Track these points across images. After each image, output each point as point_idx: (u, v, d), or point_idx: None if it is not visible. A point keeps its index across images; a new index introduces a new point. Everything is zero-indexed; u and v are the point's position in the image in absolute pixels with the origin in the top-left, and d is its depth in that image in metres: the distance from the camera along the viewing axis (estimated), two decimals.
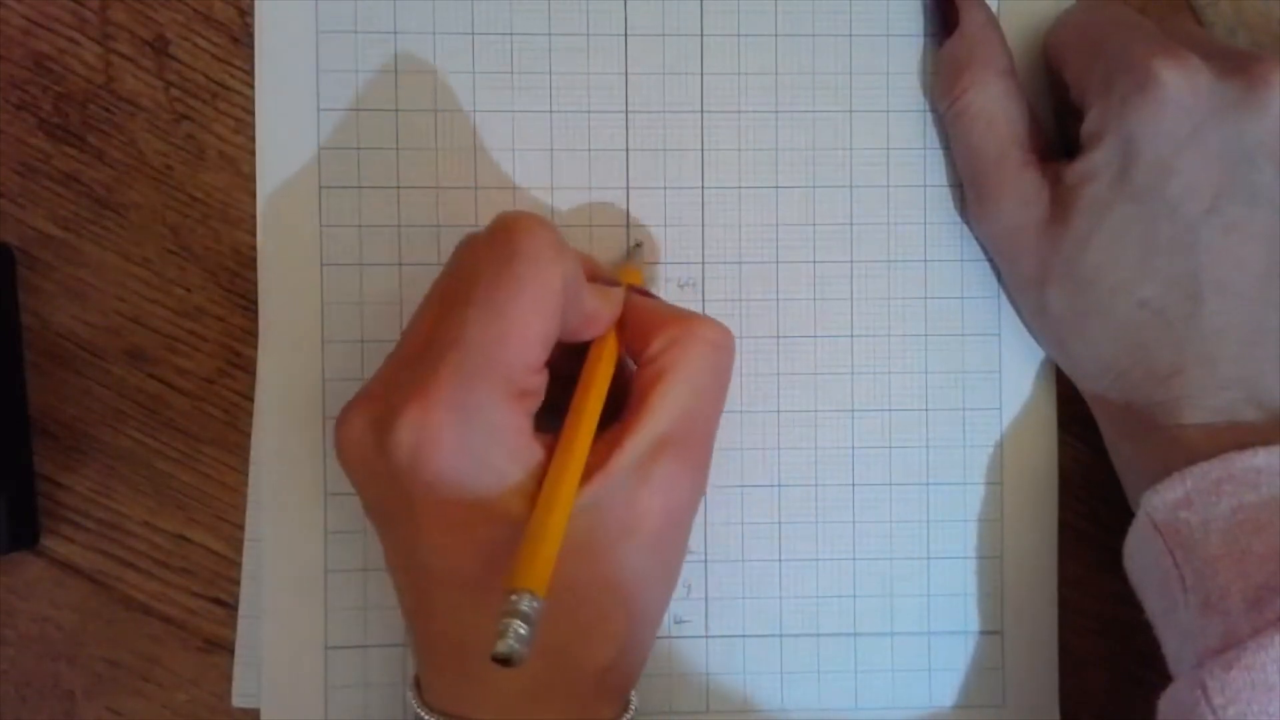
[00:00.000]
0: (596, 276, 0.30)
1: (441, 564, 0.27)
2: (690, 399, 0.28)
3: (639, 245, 0.33)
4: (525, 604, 0.23)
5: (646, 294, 0.31)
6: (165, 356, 0.33)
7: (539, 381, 0.27)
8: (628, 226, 0.33)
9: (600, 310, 0.29)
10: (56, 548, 0.33)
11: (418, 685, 0.29)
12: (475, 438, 0.26)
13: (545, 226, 0.27)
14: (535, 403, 0.27)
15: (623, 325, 0.30)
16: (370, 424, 0.27)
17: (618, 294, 0.30)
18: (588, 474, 0.27)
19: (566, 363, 0.29)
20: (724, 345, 0.29)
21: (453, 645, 0.27)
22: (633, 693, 0.30)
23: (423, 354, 0.27)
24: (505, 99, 0.33)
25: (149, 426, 0.33)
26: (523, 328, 0.26)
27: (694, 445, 0.28)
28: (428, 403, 0.25)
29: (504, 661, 0.23)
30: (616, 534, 0.27)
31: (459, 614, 0.27)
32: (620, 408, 0.29)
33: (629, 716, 0.29)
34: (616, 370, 0.29)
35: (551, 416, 0.28)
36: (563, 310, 0.27)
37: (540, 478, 0.26)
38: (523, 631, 0.23)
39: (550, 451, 0.27)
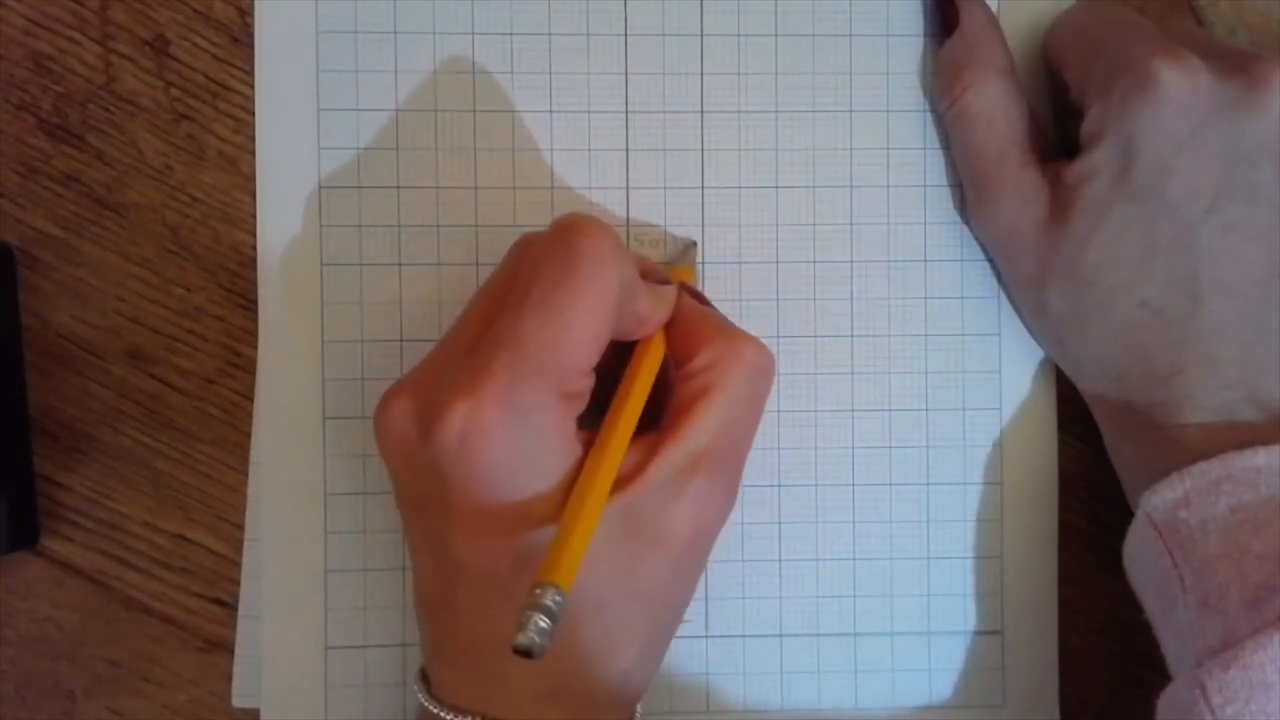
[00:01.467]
0: (649, 274, 0.30)
1: (472, 558, 0.27)
2: (729, 418, 0.28)
3: (693, 244, 0.33)
4: (549, 598, 0.23)
5: (697, 295, 0.31)
6: (165, 356, 0.33)
7: (588, 384, 0.27)
8: (628, 226, 0.33)
9: (653, 312, 0.29)
10: (56, 548, 0.33)
11: (424, 679, 0.29)
12: (523, 435, 0.26)
13: (606, 230, 0.27)
14: (581, 404, 0.27)
15: (669, 326, 0.30)
16: (414, 412, 0.27)
17: (669, 294, 0.30)
18: (624, 480, 0.27)
19: (610, 359, 0.29)
20: (766, 370, 0.29)
21: (473, 641, 0.27)
22: (638, 704, 0.30)
23: (474, 349, 0.27)
24: (505, 99, 0.33)
25: (149, 426, 0.33)
26: (579, 330, 0.26)
27: (728, 464, 0.29)
28: (479, 397, 0.25)
29: (524, 654, 0.23)
30: (647, 543, 0.27)
31: (484, 610, 0.27)
32: (658, 407, 0.29)
33: (640, 715, 0.29)
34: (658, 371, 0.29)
35: (592, 412, 0.28)
36: (618, 313, 0.27)
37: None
38: (544, 625, 0.23)
39: (589, 450, 0.27)
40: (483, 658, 0.27)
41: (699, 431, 0.28)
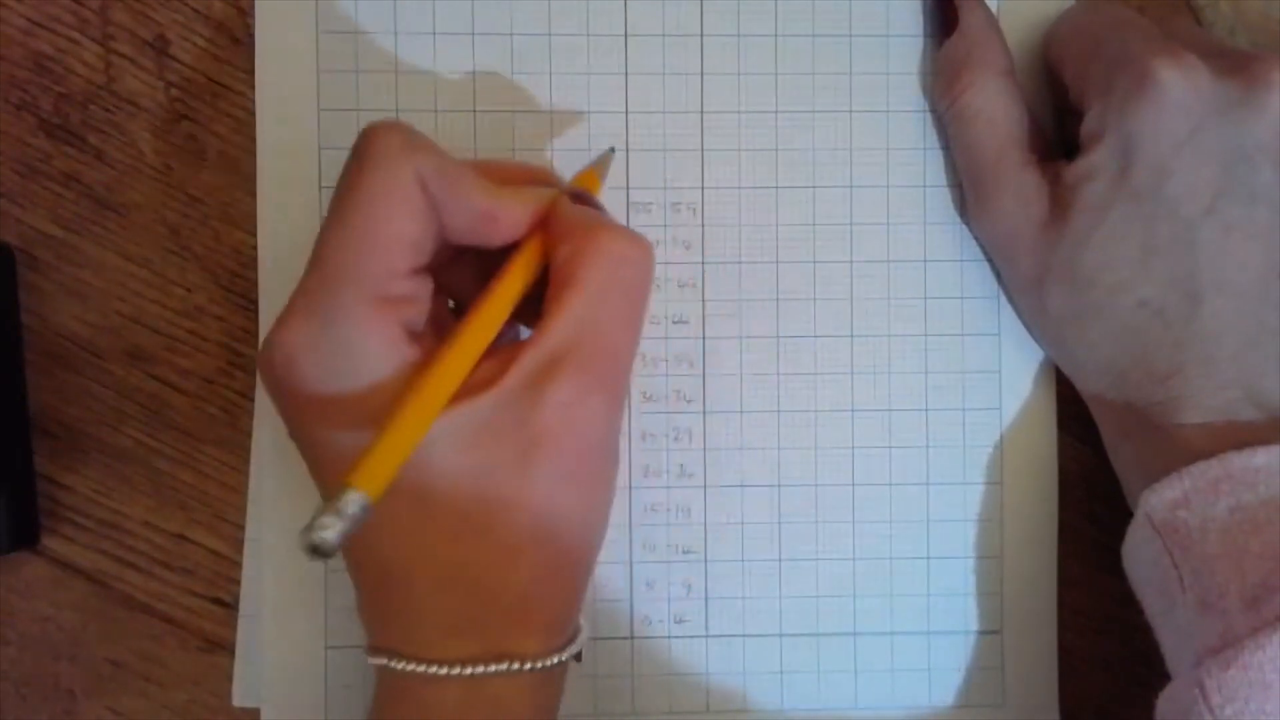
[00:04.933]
0: (515, 178, 0.28)
1: (328, 476, 0.26)
2: (589, 314, 0.26)
3: (613, 150, 0.32)
4: (349, 502, 0.23)
5: (589, 200, 0.29)
6: (165, 356, 0.33)
7: (411, 287, 0.26)
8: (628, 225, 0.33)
9: (497, 209, 0.27)
10: (56, 548, 0.33)
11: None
12: (334, 344, 0.25)
13: (396, 128, 0.26)
14: (411, 309, 0.26)
15: (546, 232, 0.28)
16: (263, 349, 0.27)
17: (532, 194, 0.28)
18: (478, 387, 0.26)
19: (489, 269, 0.28)
20: (630, 258, 0.27)
21: (370, 578, 0.27)
22: (581, 623, 0.29)
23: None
24: (505, 99, 0.33)
25: (149, 426, 0.33)
26: (373, 231, 0.25)
27: (597, 364, 0.27)
28: (289, 317, 0.26)
29: (311, 552, 0.22)
30: (516, 451, 0.26)
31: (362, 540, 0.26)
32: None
33: (574, 649, 0.28)
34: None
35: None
36: (428, 209, 0.26)
37: None
38: (328, 525, 0.22)
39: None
40: (382, 594, 0.27)
41: (555, 331, 0.26)
